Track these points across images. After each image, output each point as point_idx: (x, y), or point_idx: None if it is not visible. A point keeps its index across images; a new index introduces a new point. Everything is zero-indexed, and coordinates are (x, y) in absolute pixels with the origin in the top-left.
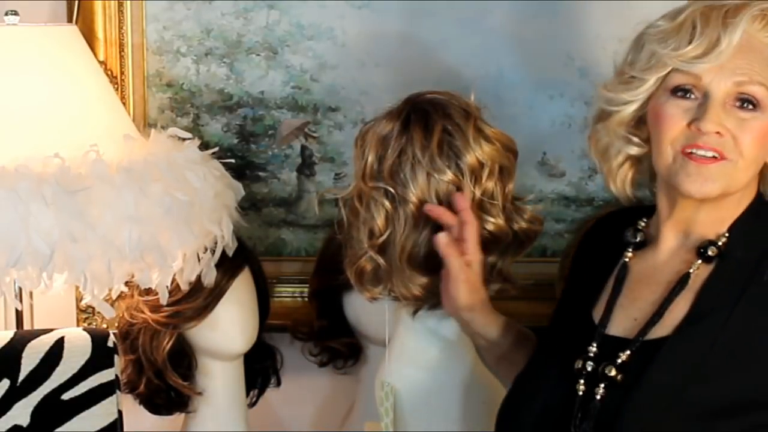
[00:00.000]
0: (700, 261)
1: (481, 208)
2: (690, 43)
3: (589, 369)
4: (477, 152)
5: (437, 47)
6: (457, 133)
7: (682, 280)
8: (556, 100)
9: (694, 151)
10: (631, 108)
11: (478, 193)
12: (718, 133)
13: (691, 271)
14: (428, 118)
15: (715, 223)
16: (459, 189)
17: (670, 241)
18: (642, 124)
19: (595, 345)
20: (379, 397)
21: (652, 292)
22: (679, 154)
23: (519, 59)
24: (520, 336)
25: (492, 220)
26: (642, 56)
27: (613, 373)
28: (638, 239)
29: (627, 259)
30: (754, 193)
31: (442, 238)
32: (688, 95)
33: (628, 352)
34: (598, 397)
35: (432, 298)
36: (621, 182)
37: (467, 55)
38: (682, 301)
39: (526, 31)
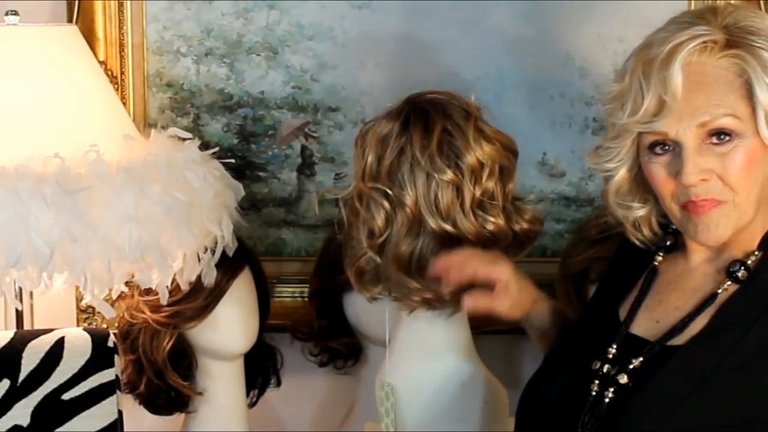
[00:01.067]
0: (729, 282)
1: (481, 208)
2: (642, 103)
3: (605, 371)
4: (477, 152)
5: (437, 47)
6: (457, 133)
7: (709, 299)
8: (556, 100)
9: (691, 204)
10: (620, 173)
11: (478, 193)
12: (704, 180)
13: (719, 291)
14: (428, 118)
15: (746, 240)
16: (459, 189)
17: (700, 253)
18: (638, 182)
19: (615, 347)
20: (379, 397)
21: (677, 297)
22: (681, 209)
23: (519, 59)
24: (559, 314)
25: (492, 220)
26: (608, 125)
27: (624, 380)
28: (668, 243)
29: (657, 263)
30: None
31: (465, 304)
32: (665, 148)
33: (641, 359)
34: (607, 400)
35: (429, 300)
36: (649, 232)
37: (467, 55)
38: (704, 314)
39: (526, 31)
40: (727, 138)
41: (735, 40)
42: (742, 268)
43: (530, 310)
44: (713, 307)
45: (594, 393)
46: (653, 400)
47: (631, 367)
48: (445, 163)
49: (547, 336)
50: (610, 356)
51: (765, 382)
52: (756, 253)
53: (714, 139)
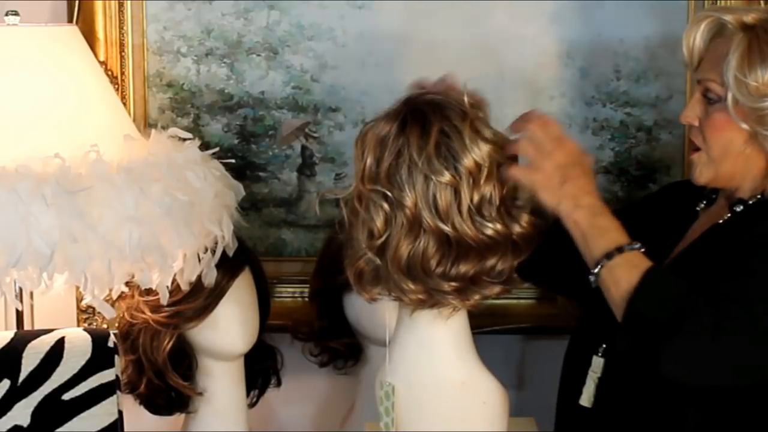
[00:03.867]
0: (729, 215)
1: (479, 212)
2: (684, 56)
3: None
4: (474, 153)
5: (437, 47)
6: (454, 135)
7: (711, 227)
8: (556, 100)
9: (690, 143)
10: None
11: (476, 198)
12: (693, 125)
13: (720, 222)
14: (425, 120)
15: (755, 185)
16: (457, 191)
17: (720, 196)
18: None
19: None
20: (378, 397)
21: (695, 231)
22: None
23: (519, 59)
24: None
25: (490, 225)
26: None
27: None
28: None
29: (699, 209)
30: None
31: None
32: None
33: None
34: None
35: (426, 301)
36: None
37: (467, 55)
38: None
39: (526, 31)
40: (714, 99)
41: (749, 26)
42: (741, 204)
43: None
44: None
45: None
46: None
47: None
48: (442, 164)
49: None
50: None
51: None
52: (758, 195)
53: (706, 96)
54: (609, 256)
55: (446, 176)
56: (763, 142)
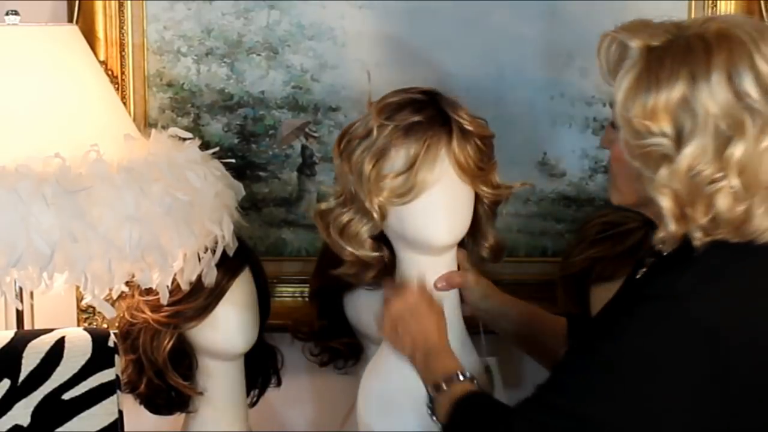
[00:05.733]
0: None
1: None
2: None
3: None
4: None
5: (437, 47)
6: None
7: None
8: (556, 100)
9: None
10: None
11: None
12: (606, 148)
13: (637, 275)
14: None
15: (670, 226)
16: None
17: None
18: None
19: None
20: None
21: None
22: None
23: (519, 59)
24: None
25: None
26: None
27: None
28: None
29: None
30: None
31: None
32: None
33: None
34: None
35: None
36: None
37: (467, 55)
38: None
39: (526, 31)
40: (617, 126)
41: (651, 49)
42: (654, 257)
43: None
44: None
45: None
46: None
47: None
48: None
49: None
50: None
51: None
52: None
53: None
54: (437, 388)
55: None
56: (647, 186)
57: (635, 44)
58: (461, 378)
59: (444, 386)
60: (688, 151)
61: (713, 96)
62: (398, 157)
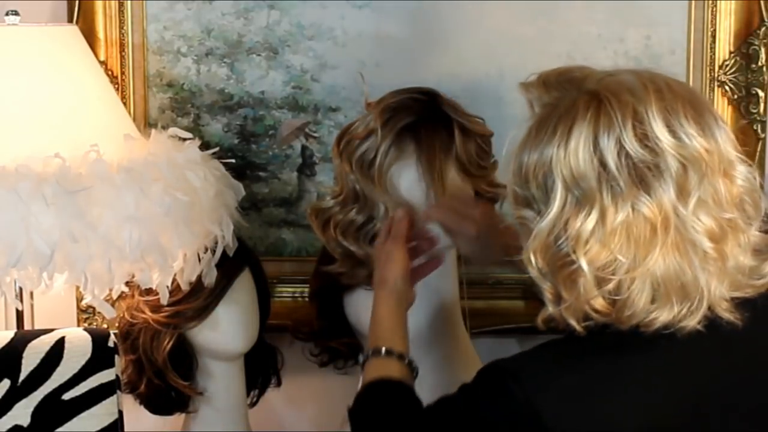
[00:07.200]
0: None
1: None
2: None
3: None
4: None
5: (437, 47)
6: None
7: None
8: None
9: None
10: None
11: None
12: None
13: None
14: None
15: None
16: None
17: None
18: None
19: None
20: None
21: None
22: None
23: (519, 59)
24: None
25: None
26: None
27: None
28: None
29: None
30: None
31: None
32: None
33: None
34: None
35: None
36: None
37: (467, 55)
38: None
39: (526, 31)
40: None
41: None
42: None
43: None
44: None
45: None
46: None
47: None
48: None
49: None
50: None
51: None
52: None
53: None
54: (375, 352)
55: None
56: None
57: (530, 98)
58: (397, 357)
59: (383, 354)
60: (544, 223)
61: (570, 160)
62: (402, 157)
